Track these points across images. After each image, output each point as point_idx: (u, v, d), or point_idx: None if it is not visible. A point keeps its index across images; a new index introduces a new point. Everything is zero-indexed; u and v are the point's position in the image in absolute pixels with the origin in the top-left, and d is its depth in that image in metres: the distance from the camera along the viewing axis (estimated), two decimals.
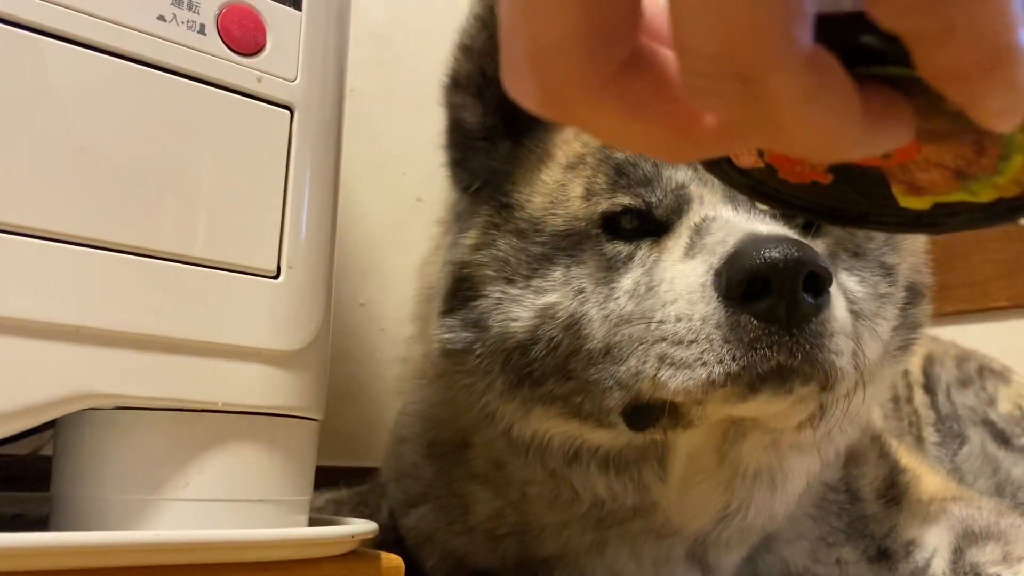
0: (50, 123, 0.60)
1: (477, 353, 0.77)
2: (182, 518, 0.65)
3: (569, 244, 0.75)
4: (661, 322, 0.65)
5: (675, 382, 0.64)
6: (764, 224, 0.68)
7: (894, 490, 0.97)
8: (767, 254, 0.58)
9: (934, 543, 0.90)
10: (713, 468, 0.79)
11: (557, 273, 0.75)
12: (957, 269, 1.87)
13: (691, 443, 0.77)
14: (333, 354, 0.80)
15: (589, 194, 0.75)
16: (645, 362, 0.67)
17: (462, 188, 0.84)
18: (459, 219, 0.84)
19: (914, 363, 1.50)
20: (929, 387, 1.48)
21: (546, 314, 0.74)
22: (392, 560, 0.75)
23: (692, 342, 0.63)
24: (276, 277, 0.70)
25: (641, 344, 0.67)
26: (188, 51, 0.66)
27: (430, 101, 1.60)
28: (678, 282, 0.66)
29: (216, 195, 0.67)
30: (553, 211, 0.76)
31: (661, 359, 0.65)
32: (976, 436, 1.42)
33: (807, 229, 0.74)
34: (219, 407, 0.66)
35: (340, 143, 0.78)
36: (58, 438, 0.67)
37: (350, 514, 1.08)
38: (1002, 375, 1.51)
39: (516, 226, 0.78)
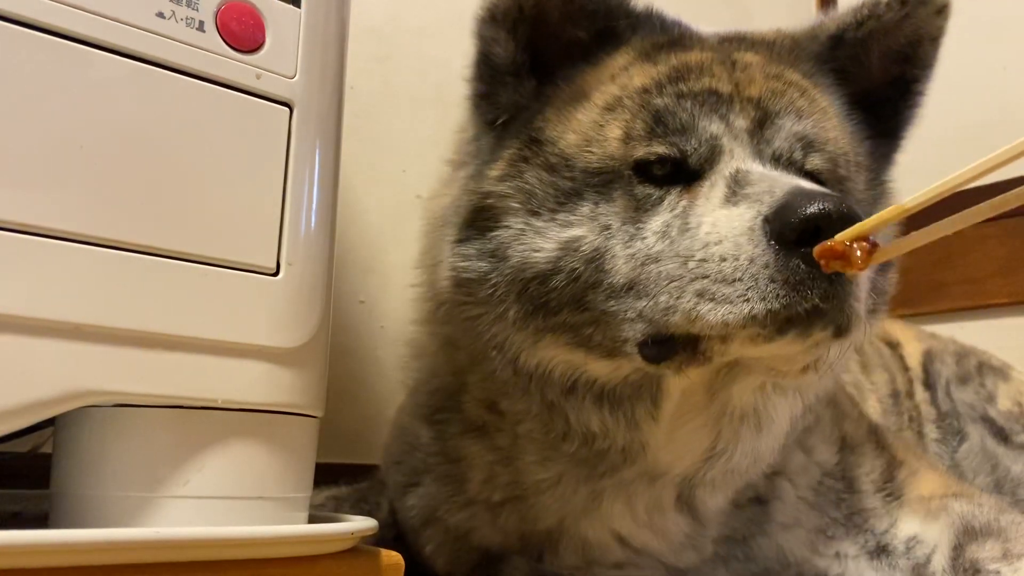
0: (48, 120, 0.60)
1: (492, 283, 0.80)
2: (182, 515, 0.65)
3: (600, 182, 0.78)
4: (703, 260, 0.69)
5: (715, 316, 0.68)
6: (804, 180, 0.72)
7: (892, 484, 0.97)
8: (822, 205, 0.63)
9: (934, 539, 0.90)
10: (702, 408, 0.82)
11: (585, 208, 0.78)
12: (956, 266, 1.87)
13: (683, 383, 0.80)
14: (333, 351, 0.80)
15: (627, 137, 0.78)
16: (679, 298, 0.70)
17: (486, 122, 0.86)
18: (481, 153, 0.87)
19: (913, 359, 1.51)
20: (929, 383, 1.48)
21: (570, 247, 0.77)
22: (392, 557, 0.75)
23: (737, 280, 0.67)
24: (276, 274, 0.70)
25: (673, 281, 0.71)
26: (187, 48, 0.66)
27: (429, 98, 1.60)
28: (721, 225, 0.70)
29: (215, 192, 0.67)
30: (588, 149, 0.79)
31: (701, 295, 0.69)
32: (975, 433, 1.42)
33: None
34: (219, 404, 0.66)
35: (339, 140, 0.78)
36: (58, 435, 0.67)
37: (350, 511, 1.08)
38: (1001, 372, 1.52)
39: (546, 160, 0.81)
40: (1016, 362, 1.57)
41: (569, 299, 0.77)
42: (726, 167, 0.75)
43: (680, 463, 0.85)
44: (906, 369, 1.49)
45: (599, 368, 0.80)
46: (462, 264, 0.82)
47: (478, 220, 0.82)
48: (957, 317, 1.88)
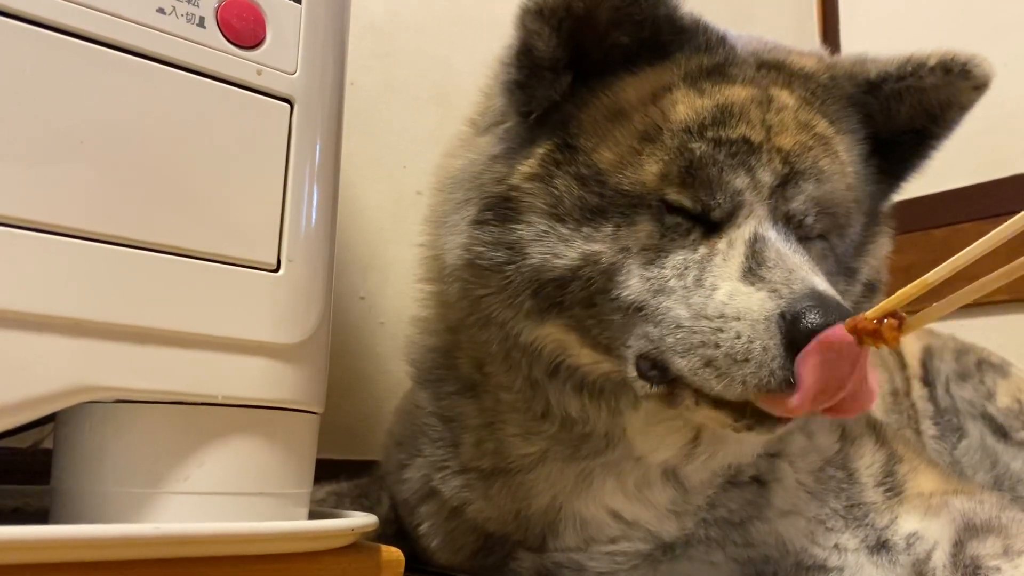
0: (49, 116, 0.60)
1: (507, 275, 0.82)
2: (182, 511, 0.65)
3: (626, 203, 0.80)
4: (719, 330, 0.72)
5: (715, 387, 0.72)
6: (815, 273, 0.76)
7: (892, 479, 0.97)
8: (832, 322, 0.68)
9: (935, 536, 0.90)
10: (678, 413, 0.85)
11: (608, 228, 0.80)
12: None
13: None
14: (333, 348, 0.80)
15: (663, 175, 0.79)
16: (686, 353, 0.73)
17: (520, 112, 0.87)
18: (509, 137, 0.87)
19: (912, 356, 1.50)
20: (928, 380, 1.48)
21: (589, 259, 0.79)
22: (392, 553, 0.75)
23: (745, 361, 0.70)
24: (276, 270, 0.70)
25: (682, 329, 0.74)
26: (187, 44, 0.66)
27: (430, 95, 1.60)
28: (739, 301, 0.73)
29: (216, 188, 0.67)
30: (622, 170, 0.80)
31: (707, 362, 0.72)
32: (975, 430, 1.42)
33: (804, 240, 0.83)
34: (219, 400, 0.66)
35: (340, 136, 0.78)
36: (58, 431, 0.67)
37: (351, 507, 1.09)
38: (1001, 368, 1.51)
39: (578, 170, 0.82)
40: (1016, 359, 1.57)
41: (581, 300, 0.80)
42: (746, 227, 0.78)
43: (660, 454, 0.87)
44: (904, 367, 1.49)
45: (584, 356, 0.83)
46: (478, 249, 0.83)
47: (499, 207, 0.83)
48: (957, 314, 1.87)
